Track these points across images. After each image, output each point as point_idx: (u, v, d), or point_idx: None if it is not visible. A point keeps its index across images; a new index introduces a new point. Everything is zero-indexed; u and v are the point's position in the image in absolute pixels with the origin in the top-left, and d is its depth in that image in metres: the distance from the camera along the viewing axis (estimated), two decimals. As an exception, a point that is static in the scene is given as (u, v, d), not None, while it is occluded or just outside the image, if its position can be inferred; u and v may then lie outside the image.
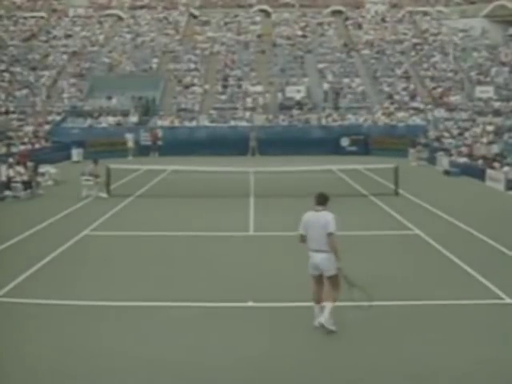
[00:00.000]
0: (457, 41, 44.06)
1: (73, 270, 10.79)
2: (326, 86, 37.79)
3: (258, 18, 48.74)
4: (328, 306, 7.73)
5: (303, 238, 7.90)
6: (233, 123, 35.01)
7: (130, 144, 32.24)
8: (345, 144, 33.56)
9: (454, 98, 36.41)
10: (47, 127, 33.67)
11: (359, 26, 46.94)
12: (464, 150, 26.62)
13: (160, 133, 33.30)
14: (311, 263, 7.83)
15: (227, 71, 40.56)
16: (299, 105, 36.24)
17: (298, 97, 36.51)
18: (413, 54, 42.18)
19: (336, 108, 36.08)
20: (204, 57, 42.30)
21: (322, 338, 7.71)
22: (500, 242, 12.36)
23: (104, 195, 18.97)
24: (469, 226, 14.05)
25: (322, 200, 7.83)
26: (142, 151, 32.22)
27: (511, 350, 7.27)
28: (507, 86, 37.33)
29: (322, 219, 7.67)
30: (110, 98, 36.87)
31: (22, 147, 27.82)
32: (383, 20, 48.02)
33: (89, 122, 34.81)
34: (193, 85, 38.88)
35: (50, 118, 34.95)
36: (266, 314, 8.61)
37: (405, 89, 38.07)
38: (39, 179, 20.83)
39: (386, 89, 38.28)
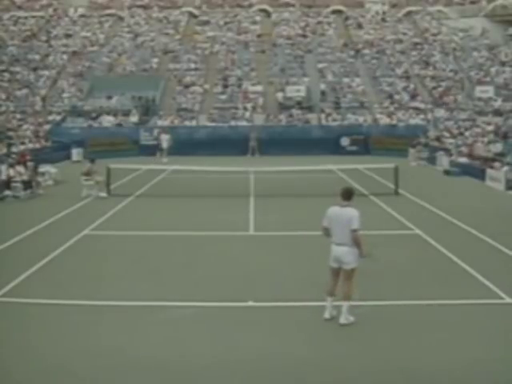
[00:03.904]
0: (457, 40, 44.08)
1: (73, 270, 10.78)
2: (322, 86, 37.74)
3: (258, 18, 48.72)
4: (344, 305, 8.01)
5: (326, 231, 8.16)
6: (233, 123, 35.02)
7: (165, 145, 31.06)
8: (345, 144, 33.56)
9: (454, 98, 36.41)
10: (47, 127, 33.67)
11: (359, 26, 46.91)
12: (464, 149, 26.63)
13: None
14: (333, 255, 8.09)
15: (227, 71, 40.57)
16: (299, 105, 36.25)
17: (297, 97, 36.52)
18: (413, 53, 42.18)
19: (336, 108, 36.10)
20: (204, 57, 42.28)
21: (322, 337, 7.72)
22: (500, 242, 12.35)
23: (104, 195, 18.97)
24: (469, 226, 14.04)
25: (348, 195, 8.07)
26: (144, 151, 32.01)
27: (511, 350, 7.27)
28: (507, 85, 37.34)
29: (346, 215, 7.90)
30: (110, 97, 36.86)
31: (22, 147, 27.83)
32: (383, 20, 47.98)
33: (89, 121, 34.82)
34: (193, 84, 38.88)
35: (50, 118, 34.97)
36: (266, 313, 8.62)
37: (405, 88, 38.08)
38: (39, 179, 20.81)
39: (386, 88, 38.29)
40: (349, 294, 8.02)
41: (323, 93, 37.20)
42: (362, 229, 7.97)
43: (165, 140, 31.18)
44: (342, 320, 7.99)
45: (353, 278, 8.03)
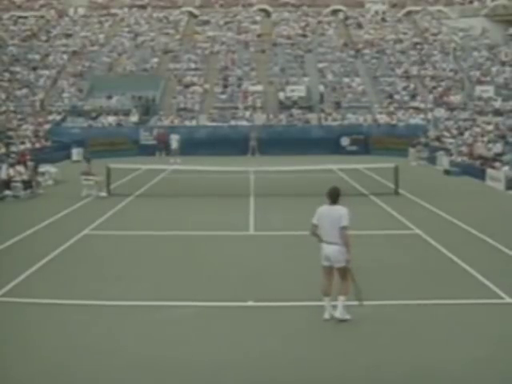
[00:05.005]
0: (457, 40, 44.08)
1: (73, 270, 10.78)
2: (321, 87, 37.68)
3: (258, 18, 48.73)
4: (341, 299, 8.02)
5: (314, 229, 8.17)
6: (233, 123, 35.01)
7: (175, 145, 30.83)
8: (345, 144, 33.59)
9: (454, 98, 36.42)
10: (47, 127, 33.68)
11: (359, 26, 46.91)
12: (464, 149, 26.62)
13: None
14: (323, 254, 8.12)
15: (227, 71, 40.56)
16: (296, 104, 36.25)
17: (297, 96, 36.50)
18: (413, 53, 42.18)
19: (336, 108, 36.09)
20: (204, 56, 42.29)
21: (322, 337, 7.72)
22: (500, 242, 12.34)
23: (104, 195, 18.97)
24: (469, 226, 14.03)
25: (335, 194, 8.13)
26: (144, 151, 32.00)
27: (511, 350, 7.27)
28: (507, 85, 37.34)
29: (335, 213, 7.97)
30: (110, 97, 36.87)
31: (22, 147, 27.82)
32: (383, 20, 48.00)
33: (89, 121, 34.82)
34: (193, 84, 38.88)
35: (50, 118, 34.97)
36: (266, 313, 8.61)
37: (405, 88, 38.07)
38: (39, 179, 20.82)
39: (386, 88, 38.29)
40: (345, 291, 8.03)
41: (321, 94, 37.17)
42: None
43: (174, 140, 31.04)
44: (337, 314, 7.97)
45: (348, 277, 8.04)
